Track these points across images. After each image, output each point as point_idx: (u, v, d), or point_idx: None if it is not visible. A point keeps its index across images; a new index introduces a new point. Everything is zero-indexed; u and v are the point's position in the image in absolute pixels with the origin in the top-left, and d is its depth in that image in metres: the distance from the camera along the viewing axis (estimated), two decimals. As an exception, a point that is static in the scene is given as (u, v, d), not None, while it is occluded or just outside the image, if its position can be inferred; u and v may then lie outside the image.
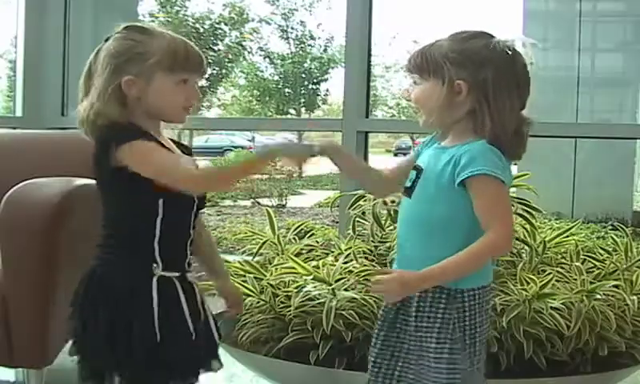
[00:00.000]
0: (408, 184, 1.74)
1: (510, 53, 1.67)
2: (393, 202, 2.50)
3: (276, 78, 13.38)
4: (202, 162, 1.78)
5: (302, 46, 13.13)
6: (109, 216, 1.69)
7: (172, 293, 1.66)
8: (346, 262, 2.39)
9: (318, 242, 2.65)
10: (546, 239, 2.48)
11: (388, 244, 2.46)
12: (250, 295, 2.36)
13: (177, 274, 1.68)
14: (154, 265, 1.65)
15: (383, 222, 2.51)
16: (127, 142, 1.58)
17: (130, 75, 1.65)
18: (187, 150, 1.79)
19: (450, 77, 1.65)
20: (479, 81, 1.65)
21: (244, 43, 13.05)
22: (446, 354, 1.64)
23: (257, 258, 2.60)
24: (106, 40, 1.71)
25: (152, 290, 1.63)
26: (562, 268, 2.38)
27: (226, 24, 12.95)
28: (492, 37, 1.69)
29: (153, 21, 12.67)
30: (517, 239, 2.45)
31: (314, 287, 2.28)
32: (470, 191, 1.62)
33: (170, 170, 1.60)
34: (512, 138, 1.67)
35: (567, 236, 2.56)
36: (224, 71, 13.41)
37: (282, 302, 2.31)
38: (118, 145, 1.58)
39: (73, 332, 1.70)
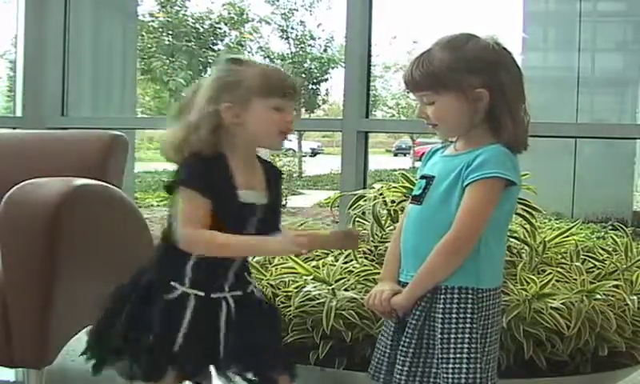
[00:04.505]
0: (417, 192, 1.73)
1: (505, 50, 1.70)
2: (393, 202, 2.50)
3: (276, 78, 13.36)
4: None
5: (302, 46, 13.12)
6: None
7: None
8: (345, 262, 2.38)
9: (318, 242, 2.64)
10: (546, 239, 2.47)
11: (388, 244, 2.45)
12: (249, 295, 2.36)
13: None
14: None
15: (383, 222, 2.51)
16: (183, 186, 1.71)
17: (226, 102, 1.72)
18: (274, 173, 1.83)
19: (470, 86, 1.65)
20: (497, 84, 1.65)
21: (244, 43, 13.05)
22: (466, 351, 1.64)
23: (257, 258, 2.59)
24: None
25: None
26: (562, 268, 2.38)
27: (225, 24, 12.94)
28: (477, 36, 1.70)
29: (153, 21, 12.68)
30: (517, 239, 2.45)
31: (314, 287, 2.28)
32: (466, 192, 1.63)
33: (183, 227, 1.71)
34: (526, 133, 1.69)
35: (567, 236, 2.55)
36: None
37: (282, 302, 2.31)
38: (180, 185, 1.73)
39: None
